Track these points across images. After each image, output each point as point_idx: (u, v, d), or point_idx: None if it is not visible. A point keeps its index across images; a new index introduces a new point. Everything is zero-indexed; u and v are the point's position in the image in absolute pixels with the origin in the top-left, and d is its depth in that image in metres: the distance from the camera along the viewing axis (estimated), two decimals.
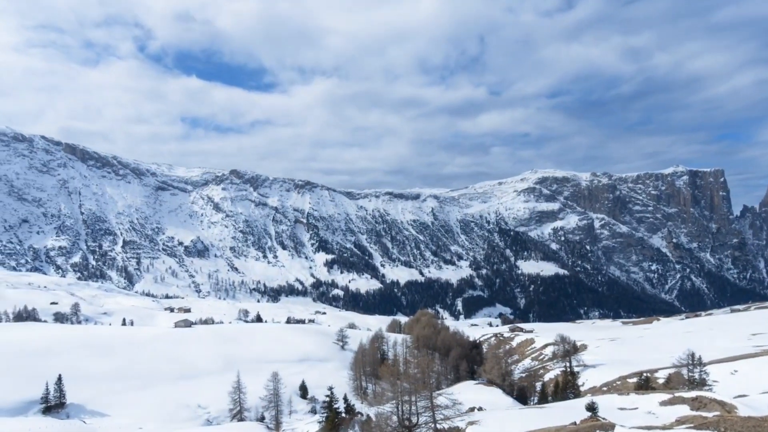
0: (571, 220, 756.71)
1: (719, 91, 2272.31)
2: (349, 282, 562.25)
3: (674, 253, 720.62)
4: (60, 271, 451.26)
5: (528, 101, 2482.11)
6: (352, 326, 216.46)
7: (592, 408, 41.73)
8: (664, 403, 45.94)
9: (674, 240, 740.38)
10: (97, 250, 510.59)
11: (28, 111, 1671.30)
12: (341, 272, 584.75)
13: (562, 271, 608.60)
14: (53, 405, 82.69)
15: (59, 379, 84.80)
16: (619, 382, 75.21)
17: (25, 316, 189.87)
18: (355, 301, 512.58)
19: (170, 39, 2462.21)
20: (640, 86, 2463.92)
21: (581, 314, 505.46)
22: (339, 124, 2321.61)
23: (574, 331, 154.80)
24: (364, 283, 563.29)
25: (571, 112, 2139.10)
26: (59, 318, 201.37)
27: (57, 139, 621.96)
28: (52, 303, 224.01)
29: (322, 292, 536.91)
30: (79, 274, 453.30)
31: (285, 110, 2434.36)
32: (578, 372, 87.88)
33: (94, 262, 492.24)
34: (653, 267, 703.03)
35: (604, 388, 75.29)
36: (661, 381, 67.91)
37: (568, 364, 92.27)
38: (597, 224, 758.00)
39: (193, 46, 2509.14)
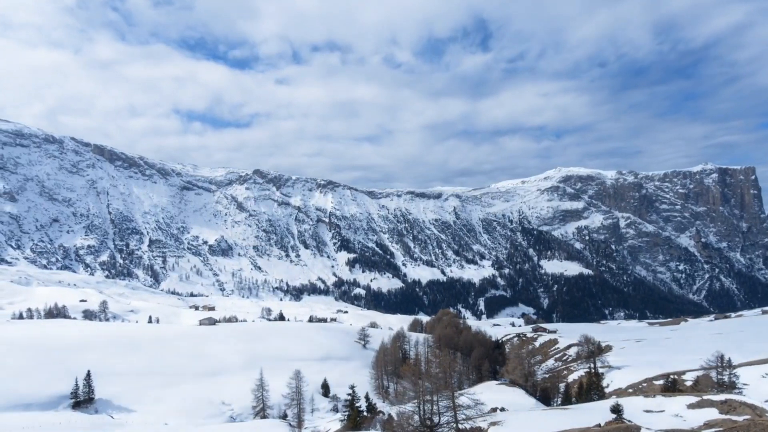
0: (596, 219, 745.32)
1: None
2: (371, 281, 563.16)
3: (703, 252, 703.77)
4: (89, 269, 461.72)
5: (550, 79, 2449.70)
6: (373, 325, 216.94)
7: (617, 410, 41.12)
8: (692, 406, 44.97)
9: (703, 239, 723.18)
10: (124, 248, 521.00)
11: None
12: (363, 271, 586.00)
13: (586, 271, 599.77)
14: (82, 400, 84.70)
15: (88, 374, 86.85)
16: (644, 384, 73.82)
17: (56, 313, 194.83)
18: (376, 300, 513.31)
19: None
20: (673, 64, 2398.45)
21: (606, 315, 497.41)
22: None
23: (599, 331, 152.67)
24: (386, 283, 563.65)
25: (597, 94, 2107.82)
26: (88, 315, 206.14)
27: (86, 140, 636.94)
28: (81, 300, 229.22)
29: (344, 291, 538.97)
30: (107, 272, 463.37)
31: None
32: (603, 373, 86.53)
33: (121, 261, 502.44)
34: (681, 267, 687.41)
35: (630, 390, 73.97)
36: (688, 383, 66.42)
37: (592, 365, 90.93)
38: (622, 223, 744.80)
39: None
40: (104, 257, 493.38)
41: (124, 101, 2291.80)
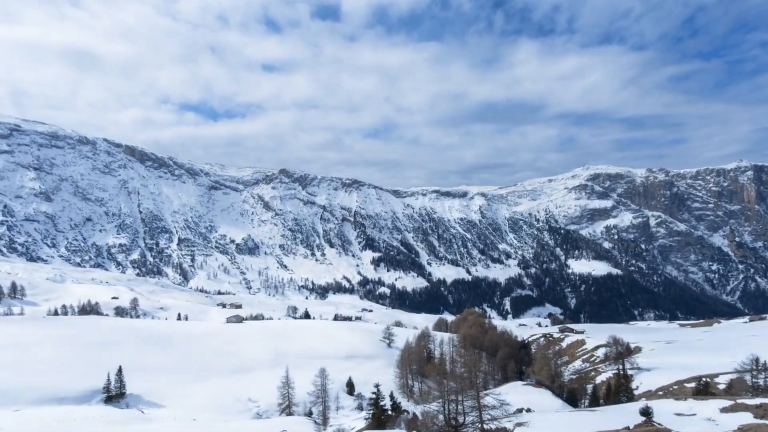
0: (625, 218, 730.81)
1: None
2: (396, 280, 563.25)
3: (737, 252, 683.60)
4: (120, 267, 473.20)
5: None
6: (398, 324, 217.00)
7: (646, 412, 40.30)
8: (725, 410, 43.76)
9: (737, 239, 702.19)
10: (154, 247, 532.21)
11: None
12: (388, 270, 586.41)
13: (615, 271, 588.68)
14: (114, 395, 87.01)
15: (119, 370, 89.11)
16: (675, 387, 72.18)
17: (89, 309, 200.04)
18: (401, 299, 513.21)
19: None
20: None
21: (635, 315, 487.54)
22: None
23: (628, 332, 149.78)
24: (411, 282, 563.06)
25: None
26: (119, 312, 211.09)
27: (118, 141, 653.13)
28: (113, 298, 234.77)
29: (368, 290, 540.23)
30: (137, 270, 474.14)
31: None
32: (632, 375, 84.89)
33: (151, 259, 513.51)
34: (714, 267, 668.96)
35: (660, 393, 72.40)
36: (721, 387, 64.70)
37: (621, 367, 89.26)
38: (653, 222, 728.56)
39: None
40: (135, 255, 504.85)
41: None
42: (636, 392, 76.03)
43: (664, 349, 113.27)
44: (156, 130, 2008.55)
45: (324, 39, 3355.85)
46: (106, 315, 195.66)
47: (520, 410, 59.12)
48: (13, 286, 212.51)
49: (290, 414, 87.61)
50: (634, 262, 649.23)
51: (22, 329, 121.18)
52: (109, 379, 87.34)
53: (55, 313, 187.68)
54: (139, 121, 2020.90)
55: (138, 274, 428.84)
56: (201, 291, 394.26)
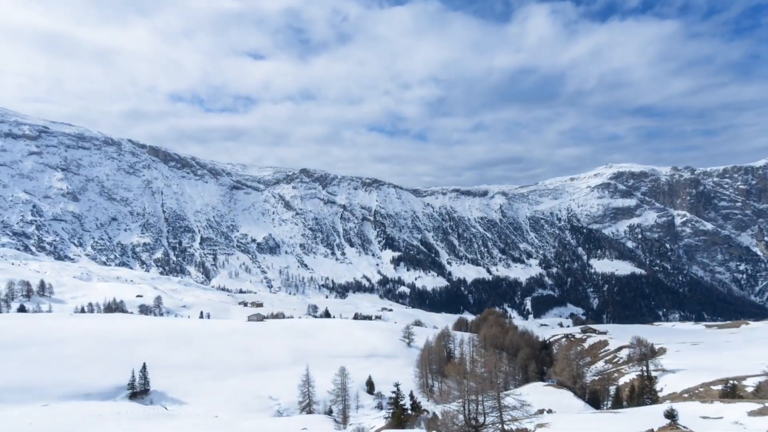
0: (649, 217, 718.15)
1: None
2: (416, 279, 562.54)
3: (766, 252, 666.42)
4: (144, 266, 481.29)
5: None
6: (418, 323, 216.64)
7: (671, 415, 39.53)
8: (753, 414, 42.78)
9: (766, 238, 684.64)
10: (177, 246, 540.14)
11: None
12: (408, 269, 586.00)
13: (638, 271, 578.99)
14: (139, 391, 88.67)
15: (144, 367, 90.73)
16: (701, 389, 70.78)
17: (114, 307, 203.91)
18: (421, 299, 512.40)
19: None
20: None
21: (660, 316, 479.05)
22: None
23: (652, 333, 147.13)
24: (431, 281, 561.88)
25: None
26: (143, 310, 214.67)
27: (142, 142, 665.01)
28: (138, 296, 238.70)
29: (388, 289, 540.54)
30: (161, 268, 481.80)
31: None
32: (656, 377, 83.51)
33: (174, 258, 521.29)
34: (741, 267, 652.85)
35: (685, 395, 71.11)
36: (749, 389, 63.23)
37: (644, 368, 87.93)
38: (678, 221, 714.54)
39: None
40: (159, 254, 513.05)
41: None
42: (660, 394, 74.83)
43: (690, 351, 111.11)
44: (149, 123, 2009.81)
45: None
46: (131, 313, 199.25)
47: (541, 411, 58.59)
48: (42, 284, 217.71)
49: (311, 412, 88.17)
50: (658, 261, 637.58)
51: (50, 326, 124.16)
52: (133, 376, 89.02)
53: (82, 311, 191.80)
54: (128, 113, 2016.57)
55: (161, 273, 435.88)
56: (223, 290, 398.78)
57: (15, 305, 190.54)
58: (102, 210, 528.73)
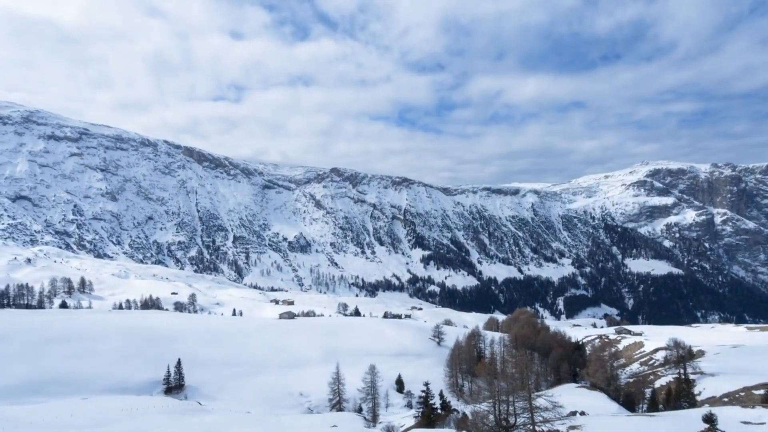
0: (687, 216, 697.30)
1: None
2: (446, 278, 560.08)
3: None
4: (179, 264, 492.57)
5: None
6: (448, 323, 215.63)
7: (710, 420, 38.41)
8: None
9: None
10: (211, 245, 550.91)
11: None
12: (437, 268, 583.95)
13: (676, 270, 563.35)
14: (173, 386, 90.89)
15: (179, 363, 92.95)
16: (742, 394, 68.38)
17: (150, 304, 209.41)
18: (451, 298, 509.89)
19: None
20: None
21: (698, 317, 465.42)
22: None
23: (690, 335, 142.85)
24: (461, 280, 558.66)
25: None
26: (178, 307, 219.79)
27: (177, 142, 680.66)
28: (173, 293, 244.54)
29: (418, 288, 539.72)
30: (195, 266, 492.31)
31: None
32: (694, 380, 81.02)
33: (208, 256, 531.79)
34: None
35: (725, 399, 68.83)
36: None
37: (682, 371, 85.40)
38: (718, 220, 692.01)
39: None
40: (193, 253, 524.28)
41: None
42: (698, 398, 72.62)
43: (730, 354, 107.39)
44: (141, 114, 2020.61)
45: None
46: (166, 310, 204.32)
47: (573, 413, 57.65)
48: (82, 282, 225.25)
49: (340, 410, 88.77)
50: (697, 261, 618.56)
51: (90, 322, 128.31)
52: (168, 372, 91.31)
53: (120, 307, 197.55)
54: (117, 103, 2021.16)
55: (195, 271, 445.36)
56: (255, 287, 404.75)
57: (57, 301, 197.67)
58: (139, 209, 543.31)
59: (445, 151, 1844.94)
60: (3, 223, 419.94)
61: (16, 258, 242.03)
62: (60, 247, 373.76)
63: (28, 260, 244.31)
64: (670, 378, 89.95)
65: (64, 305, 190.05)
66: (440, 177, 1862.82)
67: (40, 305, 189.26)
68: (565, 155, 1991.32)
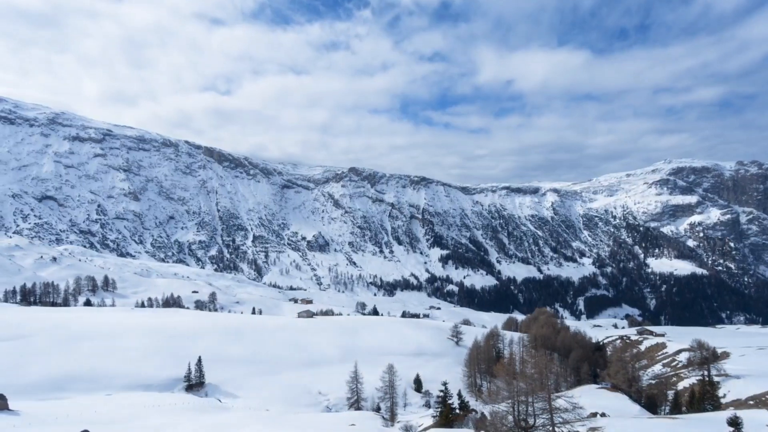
0: (712, 215, 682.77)
1: None
2: (464, 278, 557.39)
3: None
4: (200, 263, 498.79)
5: None
6: (466, 322, 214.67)
7: (735, 423, 37.67)
8: None
9: None
10: (231, 244, 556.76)
11: None
12: (456, 268, 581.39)
13: (700, 271, 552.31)
14: (194, 384, 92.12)
15: (199, 360, 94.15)
16: None
17: (172, 302, 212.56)
18: (469, 298, 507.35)
19: None
20: None
21: (723, 319, 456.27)
22: None
23: (714, 336, 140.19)
24: (479, 280, 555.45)
25: None
26: (199, 305, 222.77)
27: (198, 143, 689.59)
28: (194, 292, 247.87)
29: (436, 288, 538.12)
30: (215, 265, 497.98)
31: None
32: (718, 382, 79.46)
33: (228, 255, 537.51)
34: None
35: (751, 402, 67.41)
36: None
37: (706, 373, 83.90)
38: (743, 219, 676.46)
39: None
40: (213, 252, 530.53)
41: None
42: (723, 401, 71.24)
43: (757, 356, 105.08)
44: (129, 107, 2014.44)
45: None
46: (187, 308, 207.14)
47: (594, 414, 57.06)
48: (106, 280, 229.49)
49: (359, 408, 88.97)
50: (721, 261, 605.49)
51: (114, 319, 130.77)
52: (189, 369, 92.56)
53: (142, 305, 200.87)
54: (104, 95, 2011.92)
55: (216, 270, 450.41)
56: (274, 286, 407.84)
57: (82, 299, 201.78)
58: (161, 209, 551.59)
59: (453, 146, 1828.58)
60: (30, 223, 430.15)
61: (42, 257, 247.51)
62: (84, 246, 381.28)
63: (54, 259, 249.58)
64: (693, 380, 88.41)
65: (88, 303, 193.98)
66: (451, 174, 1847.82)
67: (66, 303, 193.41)
68: (579, 150, 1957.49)
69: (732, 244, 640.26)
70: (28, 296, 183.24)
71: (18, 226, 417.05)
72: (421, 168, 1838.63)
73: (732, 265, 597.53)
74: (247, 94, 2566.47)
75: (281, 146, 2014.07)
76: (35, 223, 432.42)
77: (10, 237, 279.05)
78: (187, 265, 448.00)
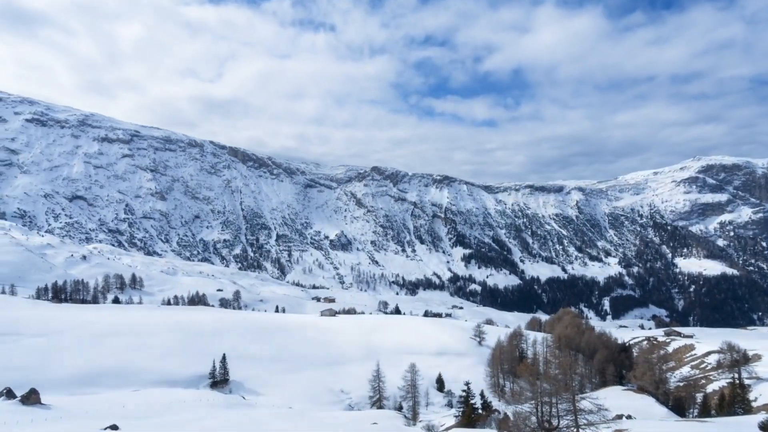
0: (743, 213, 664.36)
1: None
2: (487, 277, 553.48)
3: None
4: (224, 261, 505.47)
5: None
6: (489, 322, 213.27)
7: (766, 427, 36.67)
8: None
9: None
10: (255, 243, 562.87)
11: None
12: (479, 267, 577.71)
13: (730, 271, 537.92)
14: (219, 381, 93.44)
15: (224, 358, 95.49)
16: None
17: (197, 300, 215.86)
18: (492, 297, 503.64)
19: None
20: None
21: (754, 320, 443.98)
22: None
23: (745, 338, 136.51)
24: (502, 279, 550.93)
25: None
26: (223, 303, 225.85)
27: (222, 143, 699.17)
28: (218, 290, 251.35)
29: (459, 287, 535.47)
30: (239, 264, 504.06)
31: None
32: (749, 385, 77.45)
33: (251, 254, 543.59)
34: None
35: None
36: None
37: (736, 376, 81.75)
38: None
39: None
40: (237, 250, 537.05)
41: None
42: (754, 404, 69.42)
43: None
44: (110, 99, 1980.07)
45: None
46: (212, 306, 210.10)
47: (619, 416, 56.17)
48: (133, 278, 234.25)
49: (381, 407, 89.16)
50: (753, 261, 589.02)
51: (140, 317, 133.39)
52: (214, 366, 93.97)
53: (168, 303, 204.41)
54: (84, 85, 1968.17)
55: (240, 268, 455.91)
56: (297, 285, 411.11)
57: (110, 297, 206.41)
58: (186, 208, 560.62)
59: (459, 139, 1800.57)
60: (61, 222, 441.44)
61: (72, 255, 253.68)
62: (112, 245, 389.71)
63: (84, 257, 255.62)
64: (723, 383, 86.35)
65: (116, 300, 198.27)
66: (464, 171, 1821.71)
67: (95, 300, 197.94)
68: (597, 143, 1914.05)
69: (764, 244, 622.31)
70: (59, 294, 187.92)
71: (50, 225, 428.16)
72: (428, 164, 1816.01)
73: (764, 266, 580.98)
74: (229, 81, 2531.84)
75: (277, 140, 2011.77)
76: (66, 222, 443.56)
77: (42, 236, 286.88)
78: (212, 263, 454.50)
